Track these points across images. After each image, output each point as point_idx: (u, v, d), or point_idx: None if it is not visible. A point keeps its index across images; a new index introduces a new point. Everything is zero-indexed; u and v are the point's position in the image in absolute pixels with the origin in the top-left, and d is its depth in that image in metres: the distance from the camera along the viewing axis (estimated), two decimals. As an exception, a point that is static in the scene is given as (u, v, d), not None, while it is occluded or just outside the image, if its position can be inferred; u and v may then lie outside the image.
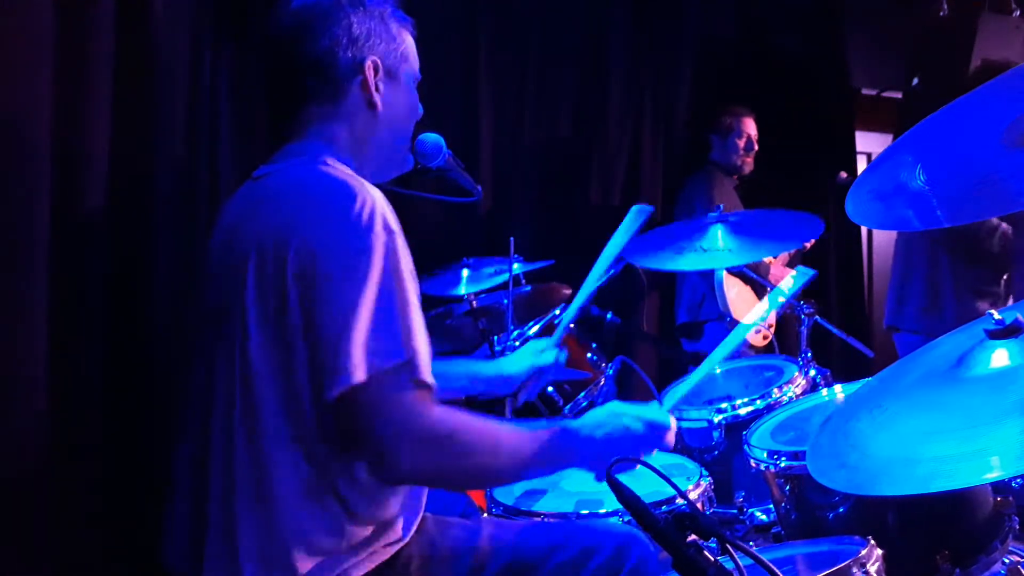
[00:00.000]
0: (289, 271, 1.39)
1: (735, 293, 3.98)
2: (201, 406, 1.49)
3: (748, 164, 4.26)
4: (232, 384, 1.43)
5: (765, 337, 3.97)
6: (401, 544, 1.50)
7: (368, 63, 1.57)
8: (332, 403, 1.35)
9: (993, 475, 1.20)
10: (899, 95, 4.86)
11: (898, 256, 3.71)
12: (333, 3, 1.56)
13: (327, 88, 1.56)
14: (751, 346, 3.95)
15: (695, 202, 4.06)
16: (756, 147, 4.25)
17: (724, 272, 3.88)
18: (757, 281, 3.78)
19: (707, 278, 3.97)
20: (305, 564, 1.38)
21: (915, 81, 4.27)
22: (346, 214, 1.39)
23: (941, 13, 4.19)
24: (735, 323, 3.75)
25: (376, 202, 1.43)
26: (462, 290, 3.12)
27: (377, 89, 1.59)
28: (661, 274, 4.32)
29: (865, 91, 5.41)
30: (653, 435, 1.58)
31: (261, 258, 1.41)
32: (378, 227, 1.39)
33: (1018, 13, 4.04)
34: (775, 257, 4.29)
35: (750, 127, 4.25)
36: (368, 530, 1.44)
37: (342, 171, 1.51)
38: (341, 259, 1.37)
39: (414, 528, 1.53)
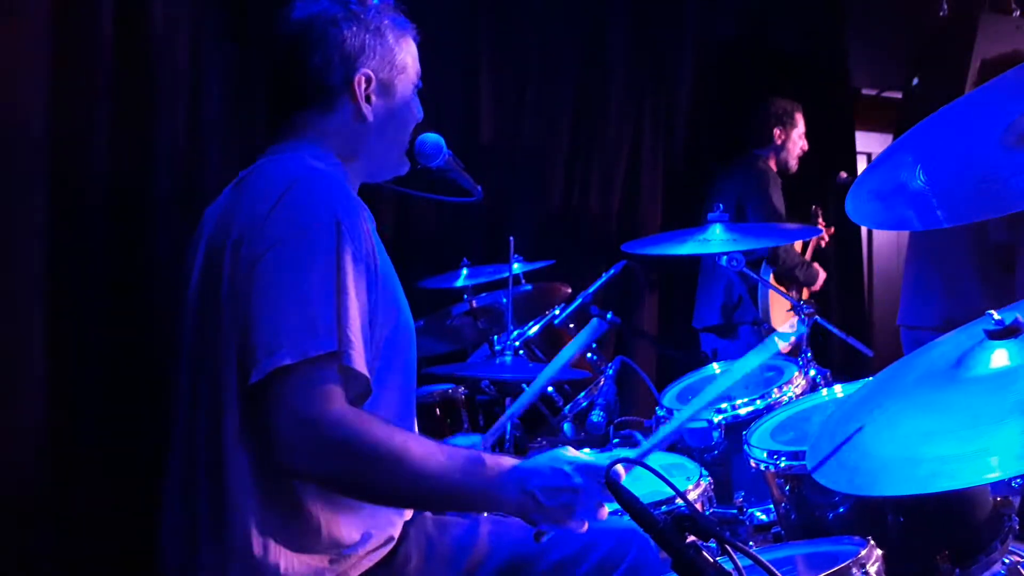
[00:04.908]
0: (241, 261, 1.40)
1: (775, 300, 3.90)
2: (187, 410, 1.49)
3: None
4: (212, 388, 1.43)
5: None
6: (393, 543, 1.50)
7: (358, 78, 1.58)
8: (253, 388, 1.32)
9: (994, 475, 1.20)
10: (899, 95, 4.86)
11: (920, 255, 3.66)
12: (329, 18, 1.57)
13: (318, 99, 1.59)
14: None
15: (748, 208, 3.91)
16: None
17: (772, 278, 3.75)
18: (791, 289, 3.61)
19: (745, 280, 3.85)
20: (291, 568, 1.38)
21: (915, 81, 4.26)
22: (291, 200, 1.41)
23: (941, 13, 4.18)
24: (771, 330, 3.72)
25: (331, 192, 1.44)
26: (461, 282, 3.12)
27: (368, 101, 1.60)
28: (661, 274, 4.32)
29: (865, 91, 5.41)
30: (593, 489, 1.39)
31: (234, 255, 1.42)
32: (325, 216, 1.39)
33: (1018, 13, 4.03)
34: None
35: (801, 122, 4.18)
36: (351, 533, 1.43)
37: (313, 162, 1.53)
38: (279, 243, 1.37)
39: (400, 526, 1.53)
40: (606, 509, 1.43)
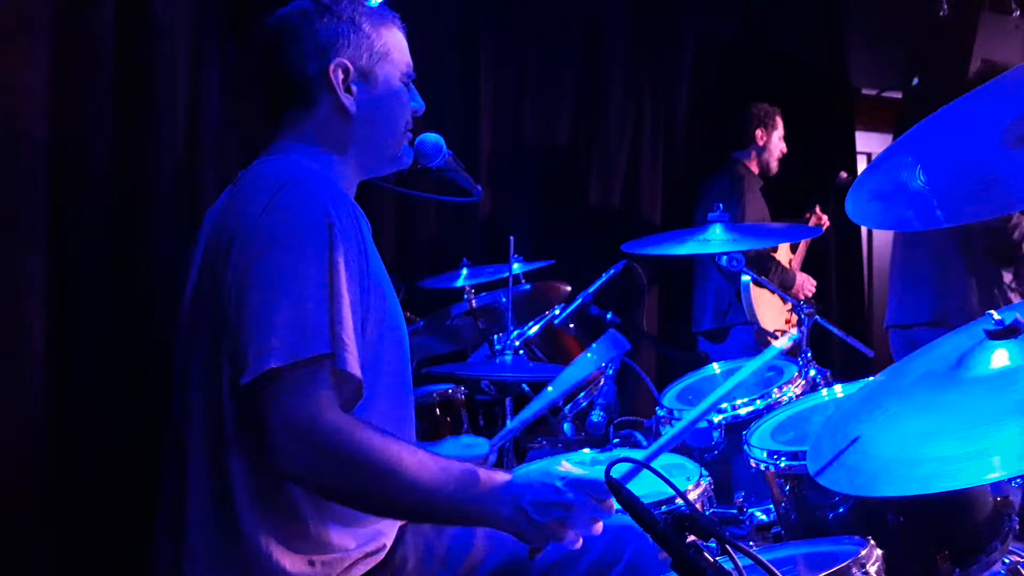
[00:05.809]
0: (232, 263, 1.40)
1: (761, 300, 3.92)
2: (179, 409, 1.50)
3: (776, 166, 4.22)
4: (205, 388, 1.44)
5: None
6: (387, 548, 1.51)
7: (333, 67, 1.58)
8: (245, 389, 1.32)
9: (995, 475, 1.21)
10: (899, 95, 4.87)
11: (919, 254, 3.66)
12: (301, 16, 1.59)
13: (299, 97, 1.59)
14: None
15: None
16: None
17: (751, 280, 3.78)
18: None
19: (732, 283, 3.89)
20: (283, 566, 1.38)
21: (915, 81, 4.26)
22: (283, 202, 1.41)
23: (941, 13, 4.19)
24: (761, 330, 3.74)
25: (322, 193, 1.44)
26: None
27: (348, 91, 1.59)
28: (662, 275, 4.32)
29: (865, 91, 5.41)
30: (586, 503, 1.36)
31: (226, 258, 1.42)
32: (316, 217, 1.39)
33: (1018, 13, 4.04)
34: (793, 254, 4.29)
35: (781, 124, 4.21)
36: (344, 538, 1.44)
37: (305, 162, 1.53)
38: (271, 245, 1.37)
39: (395, 531, 1.53)
40: (600, 524, 1.40)
